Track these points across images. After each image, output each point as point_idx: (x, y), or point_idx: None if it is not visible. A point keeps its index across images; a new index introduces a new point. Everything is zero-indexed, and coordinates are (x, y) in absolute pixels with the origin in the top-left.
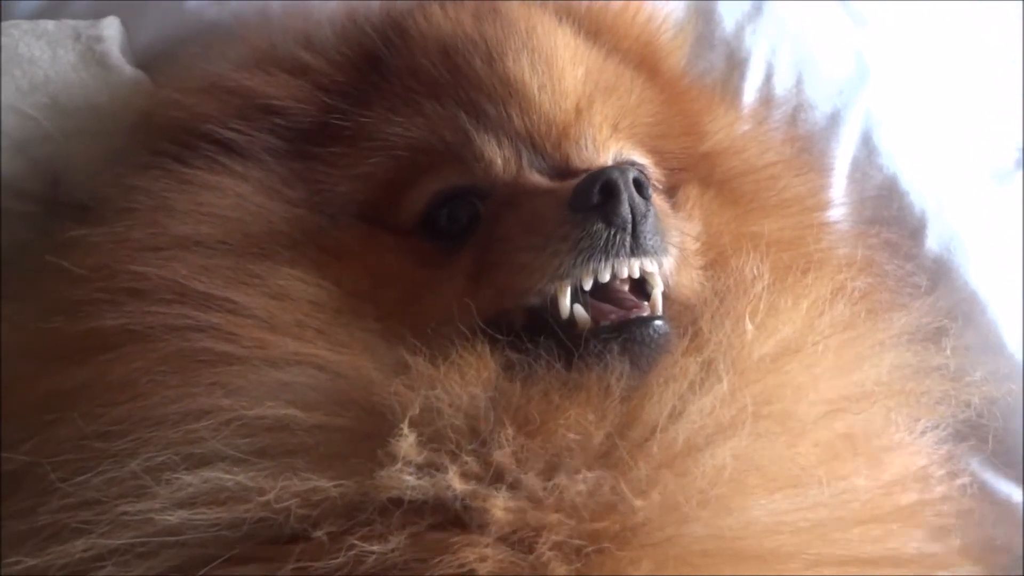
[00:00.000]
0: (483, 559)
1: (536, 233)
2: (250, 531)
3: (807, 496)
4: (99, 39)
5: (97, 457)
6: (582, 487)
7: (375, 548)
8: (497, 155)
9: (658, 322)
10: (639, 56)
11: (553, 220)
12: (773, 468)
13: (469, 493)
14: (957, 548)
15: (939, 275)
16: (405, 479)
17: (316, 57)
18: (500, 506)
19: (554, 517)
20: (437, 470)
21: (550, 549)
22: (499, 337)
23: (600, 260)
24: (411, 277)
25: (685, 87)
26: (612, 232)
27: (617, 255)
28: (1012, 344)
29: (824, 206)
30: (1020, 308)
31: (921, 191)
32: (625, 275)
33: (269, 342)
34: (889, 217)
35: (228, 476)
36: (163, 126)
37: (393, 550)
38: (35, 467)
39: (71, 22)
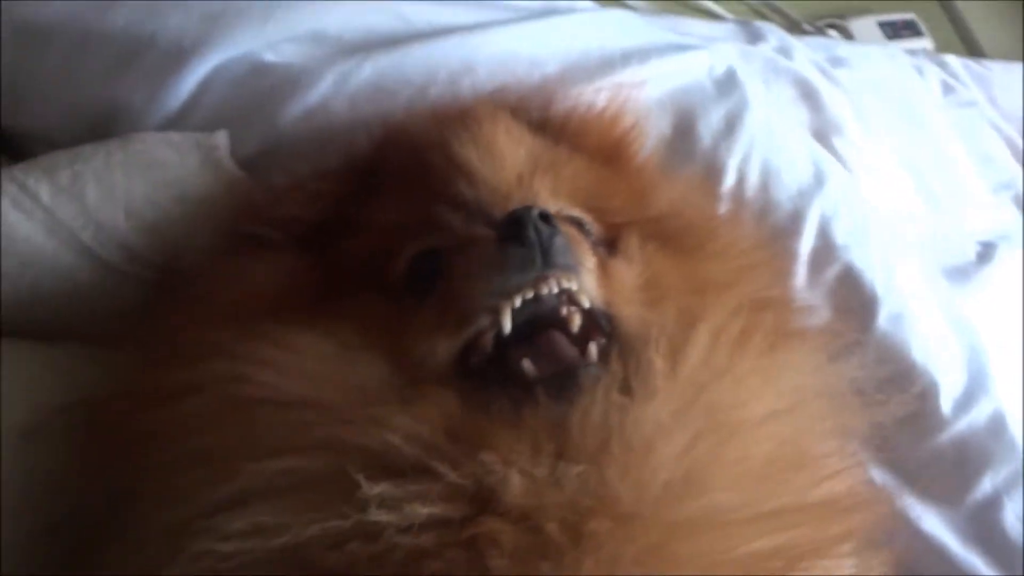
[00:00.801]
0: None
1: (476, 265)
2: (288, 559)
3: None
4: (215, 147)
5: (174, 491)
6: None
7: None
8: (454, 219)
9: (592, 367)
10: (598, 151)
11: (487, 255)
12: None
13: (444, 511)
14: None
15: (887, 347)
16: (381, 518)
17: (327, 183)
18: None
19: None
20: (404, 502)
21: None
22: (464, 372)
23: (520, 275)
24: (395, 325)
25: (633, 165)
26: (525, 251)
27: (532, 269)
28: (946, 408)
29: (764, 257)
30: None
31: (873, 275)
32: (545, 292)
33: (285, 386)
34: (847, 297)
35: (261, 515)
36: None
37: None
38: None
39: (193, 134)
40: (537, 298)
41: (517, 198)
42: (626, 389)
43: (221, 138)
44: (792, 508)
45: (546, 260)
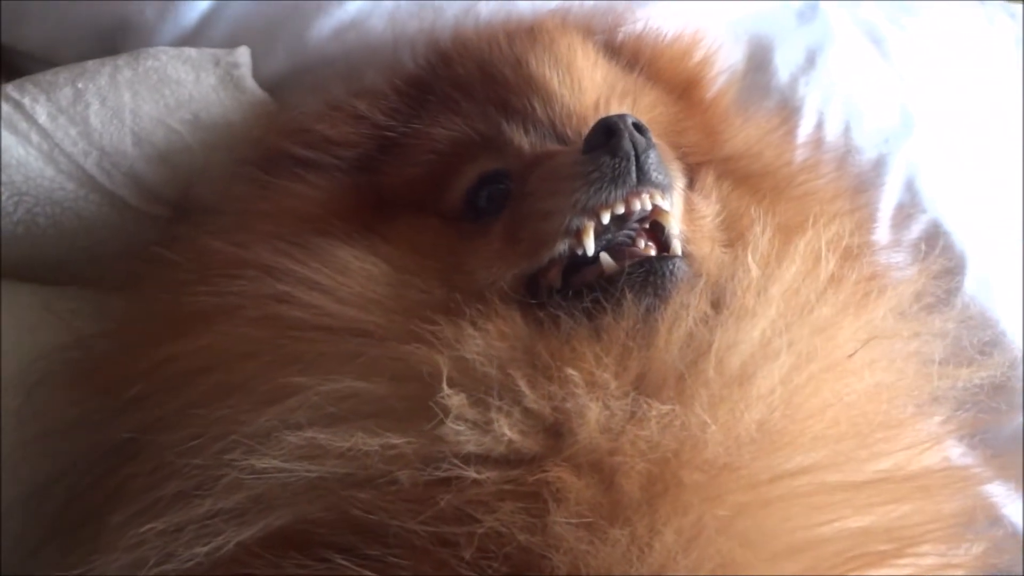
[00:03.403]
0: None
1: (555, 180)
2: (343, 484)
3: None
4: (236, 65)
5: (205, 423)
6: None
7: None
8: (524, 140)
9: (678, 260)
10: (672, 83)
11: (569, 166)
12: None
13: (521, 441)
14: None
15: (972, 315)
16: (461, 436)
17: (367, 102)
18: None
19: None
20: (488, 423)
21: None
22: (531, 300)
23: (611, 190)
24: (453, 250)
25: (707, 101)
26: (617, 162)
27: (625, 183)
28: None
29: (845, 207)
30: None
31: (962, 234)
32: (638, 208)
33: (334, 311)
34: (932, 256)
35: (321, 436)
36: (256, 148)
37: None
38: (151, 435)
39: (210, 50)
40: (624, 217)
41: (592, 122)
42: (717, 305)
43: (242, 55)
44: (895, 477)
45: (641, 174)
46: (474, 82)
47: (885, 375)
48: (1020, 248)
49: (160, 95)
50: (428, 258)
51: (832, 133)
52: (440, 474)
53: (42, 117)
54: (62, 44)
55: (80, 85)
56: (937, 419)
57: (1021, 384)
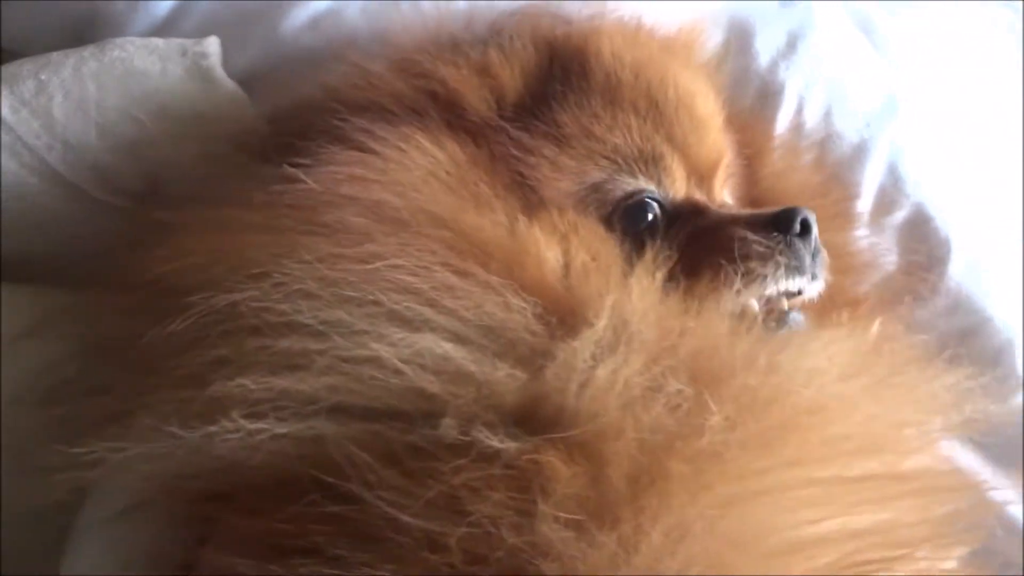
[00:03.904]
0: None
1: (756, 242)
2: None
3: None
4: (204, 55)
5: (325, 304)
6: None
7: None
8: (681, 175)
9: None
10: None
11: (764, 242)
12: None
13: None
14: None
15: (959, 298)
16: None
17: (502, 59)
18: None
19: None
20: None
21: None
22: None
23: (796, 278)
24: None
25: (756, 138)
26: (809, 257)
27: (807, 275)
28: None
29: (848, 223)
30: None
31: (946, 218)
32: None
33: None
34: (916, 243)
35: (451, 347)
36: (350, 99)
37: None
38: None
39: (178, 40)
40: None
41: (716, 172)
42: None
43: (211, 45)
44: (885, 475)
45: (813, 266)
46: (635, 96)
47: (869, 392)
48: (1020, 234)
49: (125, 87)
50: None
51: (812, 118)
52: (464, 438)
53: (4, 110)
54: (33, 38)
55: (43, 77)
56: (934, 418)
57: (1013, 369)
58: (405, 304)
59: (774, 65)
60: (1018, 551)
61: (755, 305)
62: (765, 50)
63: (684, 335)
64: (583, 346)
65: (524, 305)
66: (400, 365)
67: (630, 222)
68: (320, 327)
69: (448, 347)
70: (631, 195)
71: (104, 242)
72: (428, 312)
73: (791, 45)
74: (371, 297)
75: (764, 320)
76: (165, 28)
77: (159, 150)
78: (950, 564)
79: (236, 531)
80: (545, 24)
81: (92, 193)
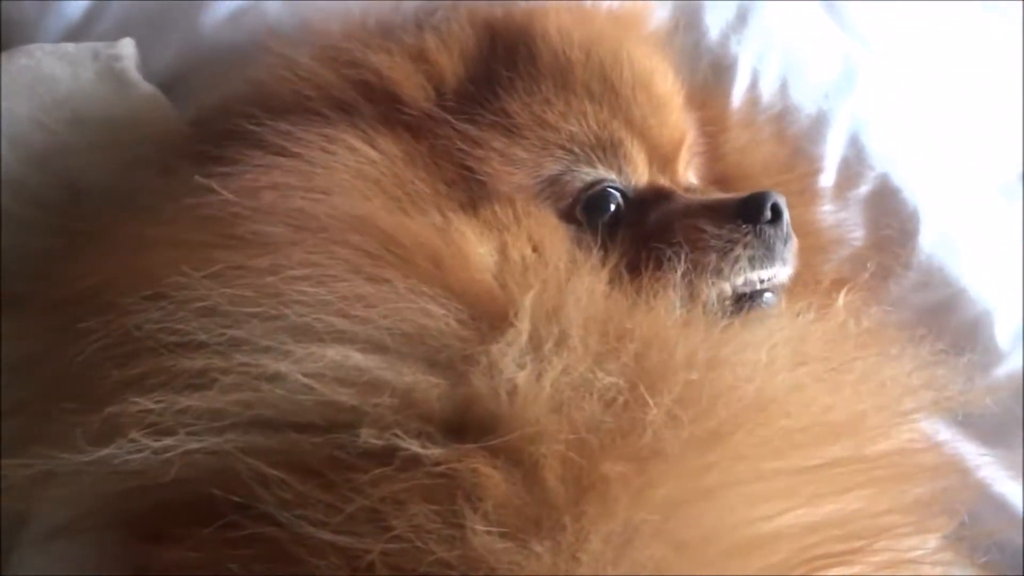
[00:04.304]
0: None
1: (715, 237)
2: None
3: None
4: (117, 58)
5: (230, 320)
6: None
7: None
8: (642, 160)
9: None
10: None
11: (729, 231)
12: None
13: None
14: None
15: (931, 271)
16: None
17: (439, 43)
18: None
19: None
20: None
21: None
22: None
23: (768, 266)
24: (567, 255)
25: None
26: (780, 243)
27: (778, 260)
28: (1003, 340)
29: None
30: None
31: (913, 188)
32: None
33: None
34: (884, 216)
35: (361, 358)
36: (273, 96)
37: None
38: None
39: (90, 44)
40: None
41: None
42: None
43: (125, 47)
44: (847, 460)
45: (784, 251)
46: (590, 79)
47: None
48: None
49: (35, 94)
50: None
51: (768, 91)
52: (381, 442)
53: None
54: None
55: None
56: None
57: (992, 341)
58: (313, 316)
59: (725, 39)
60: (1006, 528)
61: (728, 292)
62: (715, 24)
63: (626, 331)
64: (508, 348)
65: (444, 312)
66: (307, 381)
67: (592, 214)
68: (223, 345)
69: (361, 358)
70: (591, 186)
71: (25, 258)
72: (339, 323)
73: (741, 18)
74: (274, 311)
75: (735, 301)
76: (79, 31)
77: (75, 158)
78: (925, 549)
79: (160, 559)
80: (483, 7)
81: (9, 208)
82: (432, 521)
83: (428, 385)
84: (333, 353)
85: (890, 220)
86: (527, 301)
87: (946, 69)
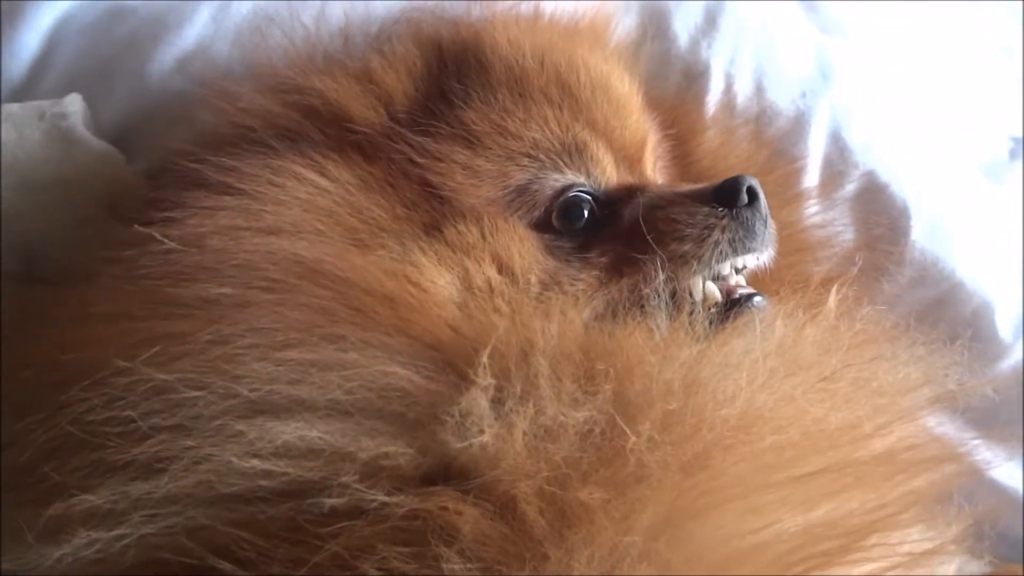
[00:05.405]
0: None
1: (690, 225)
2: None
3: None
4: (63, 116)
5: (177, 401)
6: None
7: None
8: (609, 161)
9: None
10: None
11: (703, 213)
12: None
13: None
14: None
15: (925, 266)
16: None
17: (384, 64)
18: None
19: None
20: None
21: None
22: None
23: (751, 248)
24: (542, 268)
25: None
26: (761, 227)
27: (760, 245)
28: (1004, 331)
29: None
30: (1019, 299)
31: (901, 182)
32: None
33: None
34: (874, 214)
35: (321, 430)
36: (215, 132)
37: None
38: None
39: (35, 103)
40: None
41: (644, 153)
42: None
43: (71, 103)
44: (841, 464)
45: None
46: (546, 85)
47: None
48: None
49: None
50: (511, 274)
51: (744, 92)
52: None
53: None
54: None
55: None
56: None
57: (994, 333)
58: (267, 389)
59: (695, 44)
60: (1011, 518)
61: (715, 289)
62: (683, 30)
63: (601, 364)
64: (475, 404)
65: (404, 370)
66: (262, 465)
67: (567, 221)
68: (170, 432)
69: (320, 430)
70: (561, 192)
71: None
72: (294, 392)
73: (710, 21)
74: (222, 390)
75: (725, 308)
76: (28, 88)
77: (27, 223)
78: (924, 540)
79: None
80: (427, 26)
81: None
82: (406, 562)
83: (395, 452)
84: (291, 430)
85: (880, 218)
86: (485, 356)
87: (918, 52)
